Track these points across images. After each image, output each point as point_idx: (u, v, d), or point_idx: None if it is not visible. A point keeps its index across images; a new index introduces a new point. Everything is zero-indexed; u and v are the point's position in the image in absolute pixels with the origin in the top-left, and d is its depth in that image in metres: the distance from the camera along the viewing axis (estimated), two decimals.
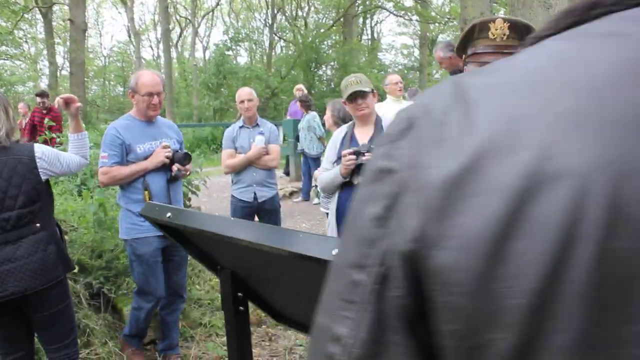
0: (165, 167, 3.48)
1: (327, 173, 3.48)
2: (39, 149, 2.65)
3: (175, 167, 3.51)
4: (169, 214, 1.52)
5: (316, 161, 8.87)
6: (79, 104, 2.91)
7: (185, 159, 3.55)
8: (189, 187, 7.48)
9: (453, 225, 0.47)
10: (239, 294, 1.77)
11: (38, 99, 10.29)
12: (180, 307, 3.75)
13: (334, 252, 1.02)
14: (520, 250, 0.43)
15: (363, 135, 3.50)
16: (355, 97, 3.38)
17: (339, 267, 0.58)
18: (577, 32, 0.52)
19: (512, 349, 0.43)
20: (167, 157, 3.46)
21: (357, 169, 3.27)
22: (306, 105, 9.40)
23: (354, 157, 3.26)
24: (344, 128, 3.65)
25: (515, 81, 0.51)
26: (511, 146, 0.46)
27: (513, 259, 0.43)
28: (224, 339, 4.09)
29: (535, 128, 0.46)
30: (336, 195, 3.48)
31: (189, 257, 4.23)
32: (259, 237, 1.33)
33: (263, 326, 4.32)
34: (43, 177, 2.62)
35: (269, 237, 1.31)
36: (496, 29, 1.82)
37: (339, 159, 3.40)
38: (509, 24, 1.83)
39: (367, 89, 3.39)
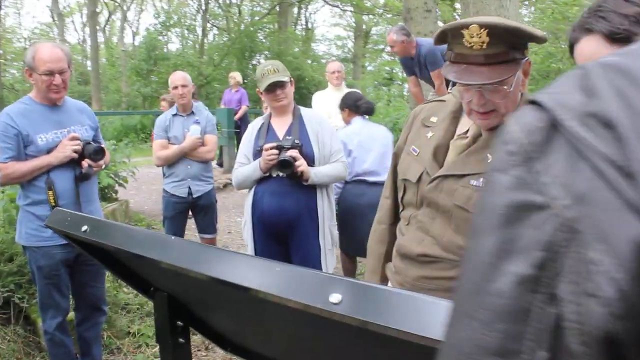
0: (73, 163, 2.92)
1: (243, 168, 3.21)
2: None
3: (85, 162, 2.94)
4: (85, 227, 1.15)
5: None
6: None
7: (98, 153, 2.98)
8: (116, 178, 6.97)
9: None
10: (178, 322, 1.42)
11: None
12: (100, 321, 3.28)
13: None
14: None
15: (280, 126, 3.27)
16: (274, 87, 3.15)
17: (464, 358, 0.40)
18: None
19: None
20: (75, 151, 2.90)
21: (278, 163, 3.06)
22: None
23: (276, 152, 3.03)
24: (259, 120, 3.40)
25: None
26: None
27: None
28: (156, 349, 3.69)
29: None
30: (252, 191, 3.21)
31: None
32: (195, 261, 0.99)
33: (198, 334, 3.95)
34: None
35: (206, 262, 0.98)
36: (471, 36, 1.45)
37: (259, 151, 3.14)
38: (487, 29, 1.43)
39: (285, 79, 3.17)
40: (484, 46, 1.46)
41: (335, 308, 0.70)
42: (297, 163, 3.03)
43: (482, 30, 1.44)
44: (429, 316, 0.73)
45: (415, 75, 5.95)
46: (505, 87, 1.53)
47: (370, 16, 30.37)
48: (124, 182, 7.16)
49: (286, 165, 3.02)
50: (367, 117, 4.34)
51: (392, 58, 33.63)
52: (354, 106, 4.27)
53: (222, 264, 0.90)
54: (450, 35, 1.54)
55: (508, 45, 1.48)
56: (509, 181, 0.40)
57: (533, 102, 0.42)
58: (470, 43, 1.47)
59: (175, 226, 4.53)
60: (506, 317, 0.38)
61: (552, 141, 0.38)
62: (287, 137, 3.13)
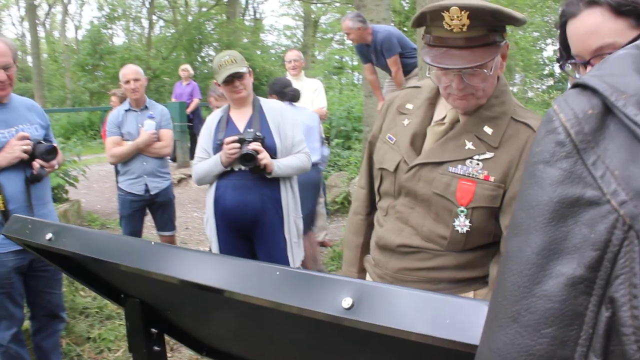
0: (23, 164, 2.72)
1: (203, 163, 3.10)
2: None
3: (36, 163, 2.75)
4: (49, 235, 1.05)
5: None
6: None
7: (50, 152, 2.80)
8: (66, 178, 6.71)
9: None
10: (153, 329, 1.34)
11: None
12: (58, 329, 3.11)
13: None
14: None
15: (240, 118, 3.18)
16: (232, 79, 3.05)
17: None
18: None
19: None
20: (25, 152, 2.70)
21: (240, 156, 2.96)
22: None
23: (237, 145, 2.94)
24: (218, 112, 3.29)
25: None
26: None
27: None
28: (118, 354, 3.56)
29: None
30: (213, 186, 3.11)
31: None
32: (179, 267, 0.92)
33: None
34: None
35: (191, 267, 0.90)
36: (452, 19, 1.41)
37: (219, 145, 3.04)
38: (468, 12, 1.39)
39: (243, 70, 3.07)
40: (464, 29, 1.42)
41: (348, 314, 0.63)
42: (259, 156, 2.94)
43: (462, 12, 1.40)
44: (443, 316, 0.68)
45: (371, 63, 5.91)
46: (486, 70, 1.49)
47: (319, 5, 30.25)
48: (75, 181, 6.92)
49: (249, 158, 2.93)
50: (294, 103, 4.53)
51: (342, 47, 33.71)
52: (280, 92, 4.46)
53: (208, 268, 0.82)
54: (429, 18, 1.48)
55: (488, 28, 1.44)
56: (558, 174, 0.36)
57: (581, 86, 0.36)
58: (450, 26, 1.42)
59: (133, 225, 4.38)
60: (555, 322, 0.35)
61: (606, 129, 0.34)
62: (249, 130, 3.03)
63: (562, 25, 1.23)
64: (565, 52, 1.31)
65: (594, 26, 1.13)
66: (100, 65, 20.92)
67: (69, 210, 6.42)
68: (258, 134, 3.00)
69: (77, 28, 33.80)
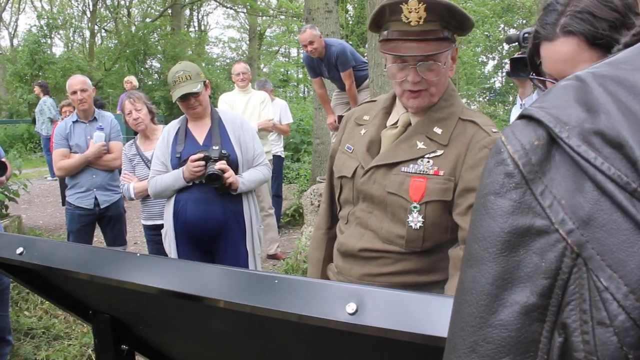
0: None
1: (163, 177, 3.00)
2: None
3: None
4: (20, 250, 1.00)
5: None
6: None
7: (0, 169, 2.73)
8: (6, 193, 6.43)
9: None
10: (123, 346, 1.29)
11: None
12: (4, 352, 2.96)
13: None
14: None
15: (199, 130, 3.11)
16: (187, 96, 2.98)
17: None
18: None
19: None
20: None
21: (207, 176, 2.90)
22: (42, 89, 10.89)
23: (203, 163, 2.88)
24: (174, 123, 3.20)
25: None
26: None
27: None
28: None
29: None
30: (172, 199, 3.02)
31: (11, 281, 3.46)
32: (160, 277, 0.89)
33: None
34: None
35: (172, 276, 0.88)
36: (410, 11, 1.51)
37: (179, 159, 2.97)
38: (425, 4, 1.50)
39: (197, 89, 2.98)
40: (421, 22, 1.51)
41: (353, 319, 0.62)
42: (225, 175, 2.89)
43: (420, 4, 1.50)
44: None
45: (320, 77, 5.93)
46: (440, 63, 1.58)
47: (265, 18, 30.28)
48: (15, 196, 6.64)
49: (215, 178, 2.87)
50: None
51: (287, 60, 33.75)
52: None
53: (207, 279, 0.79)
54: (388, 11, 1.56)
55: (442, 23, 1.54)
56: (509, 205, 0.37)
57: (527, 117, 0.38)
58: (408, 18, 1.51)
59: (82, 240, 4.23)
60: (512, 350, 0.36)
61: (552, 159, 0.35)
62: (214, 148, 2.95)
63: (535, 45, 1.27)
64: (531, 65, 1.36)
65: (569, 55, 1.17)
66: (39, 76, 20.21)
67: (9, 226, 6.15)
68: (224, 151, 2.94)
69: (11, 37, 32.51)
